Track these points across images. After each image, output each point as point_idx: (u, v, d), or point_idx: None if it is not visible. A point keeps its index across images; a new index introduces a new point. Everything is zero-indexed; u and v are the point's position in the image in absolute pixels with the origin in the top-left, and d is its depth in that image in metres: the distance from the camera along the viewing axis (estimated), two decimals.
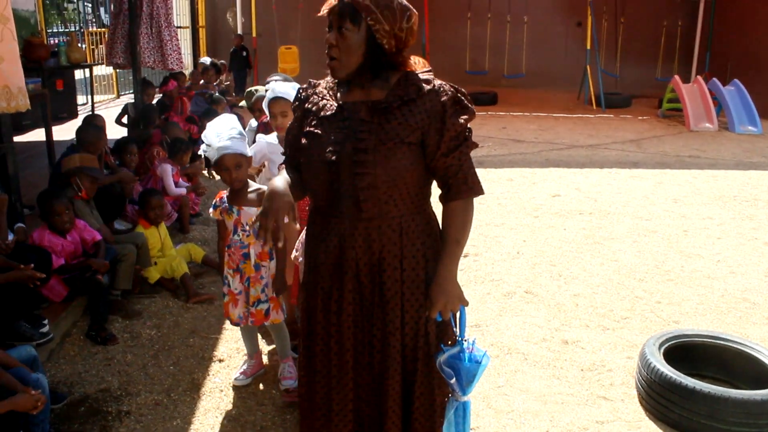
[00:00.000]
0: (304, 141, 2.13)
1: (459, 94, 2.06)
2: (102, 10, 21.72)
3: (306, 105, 2.19)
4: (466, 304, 2.12)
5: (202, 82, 9.99)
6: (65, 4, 23.96)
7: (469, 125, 2.07)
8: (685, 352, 3.43)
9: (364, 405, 2.21)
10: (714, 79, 12.43)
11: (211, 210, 3.35)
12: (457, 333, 2.15)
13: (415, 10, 2.07)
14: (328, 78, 2.17)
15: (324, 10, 2.05)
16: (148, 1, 7.94)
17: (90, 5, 23.95)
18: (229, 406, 3.23)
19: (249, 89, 5.71)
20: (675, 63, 14.93)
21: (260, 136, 3.67)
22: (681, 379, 3.03)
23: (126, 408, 3.19)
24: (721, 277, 4.99)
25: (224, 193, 3.31)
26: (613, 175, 8.26)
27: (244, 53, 13.16)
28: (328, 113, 2.10)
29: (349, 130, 2.04)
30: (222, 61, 12.98)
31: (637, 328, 4.12)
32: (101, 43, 15.40)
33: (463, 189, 2.07)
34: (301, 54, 14.01)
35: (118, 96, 13.70)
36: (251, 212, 3.18)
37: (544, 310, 4.35)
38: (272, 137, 3.75)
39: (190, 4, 12.38)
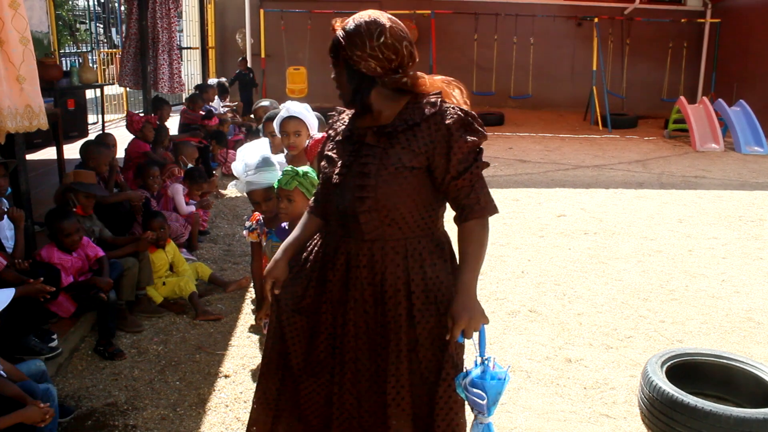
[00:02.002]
0: (322, 163, 2.26)
1: (467, 117, 2.06)
2: (113, 31, 22.01)
3: (330, 130, 2.32)
4: (487, 321, 2.10)
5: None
6: (77, 26, 24.32)
7: (479, 146, 2.08)
8: (688, 371, 3.44)
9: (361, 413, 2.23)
10: (720, 99, 12.49)
11: (245, 232, 3.39)
12: (477, 351, 2.12)
13: (390, 25, 2.04)
14: None
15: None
16: (151, 25, 8.09)
17: (102, 26, 24.29)
18: (235, 422, 3.26)
19: (256, 106, 5.78)
20: (681, 84, 14.99)
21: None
22: (683, 398, 3.04)
23: (132, 422, 3.22)
24: (725, 296, 5.00)
25: (260, 216, 3.35)
26: (618, 196, 8.29)
27: (251, 75, 13.31)
28: (341, 138, 2.22)
29: (356, 154, 2.13)
30: (224, 78, 13.13)
31: (641, 347, 4.14)
32: (112, 64, 15.62)
33: (476, 209, 2.08)
34: (310, 75, 14.16)
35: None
36: None
37: (548, 328, 4.37)
38: (280, 157, 3.82)
39: (200, 26, 12.54)
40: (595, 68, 13.95)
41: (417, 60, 2.12)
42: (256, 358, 3.86)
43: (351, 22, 2.07)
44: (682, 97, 12.91)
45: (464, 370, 2.12)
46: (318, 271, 2.25)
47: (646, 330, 4.38)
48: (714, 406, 2.98)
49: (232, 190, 7.98)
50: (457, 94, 2.16)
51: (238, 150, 3.52)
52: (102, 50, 16.84)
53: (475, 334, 2.10)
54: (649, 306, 4.77)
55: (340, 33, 2.07)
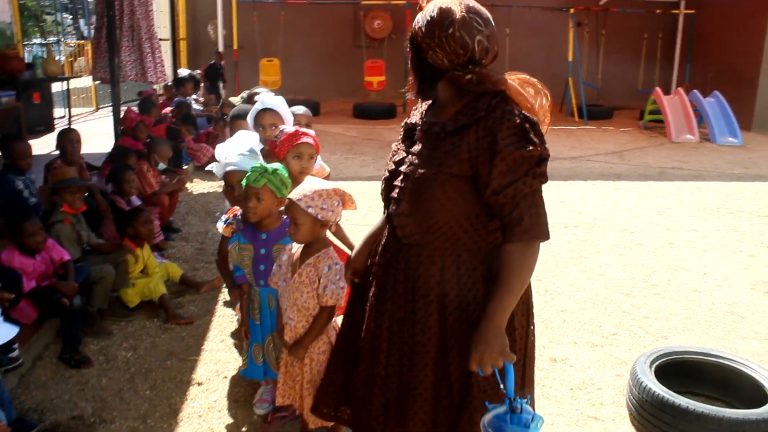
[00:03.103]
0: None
1: (524, 124, 1.84)
2: (82, 21, 21.51)
3: (407, 118, 2.19)
4: (512, 360, 1.87)
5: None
6: (44, 16, 23.76)
7: (535, 159, 1.83)
8: (676, 369, 3.36)
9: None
10: (695, 90, 12.52)
11: (220, 225, 3.17)
12: (504, 389, 1.89)
13: (462, 16, 1.84)
14: None
15: None
16: (129, 13, 7.84)
17: (70, 17, 23.74)
18: None
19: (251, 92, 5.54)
20: (656, 75, 15.03)
21: None
22: (674, 399, 2.95)
23: None
24: (707, 290, 4.95)
25: (239, 211, 3.11)
26: (597, 188, 8.23)
27: (221, 69, 13.00)
28: (405, 129, 2.11)
29: (407, 150, 2.02)
30: (198, 71, 12.86)
31: (626, 344, 4.05)
32: (80, 55, 15.25)
33: (516, 231, 1.84)
34: (283, 66, 13.94)
35: (97, 109, 13.53)
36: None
37: None
38: None
39: (170, 17, 12.25)
40: (570, 59, 13.91)
41: (496, 56, 1.93)
42: (230, 364, 3.70)
43: (429, 6, 1.91)
44: (657, 88, 12.93)
45: (494, 404, 1.93)
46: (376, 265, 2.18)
47: (630, 326, 4.29)
48: (706, 408, 2.90)
49: (201, 185, 7.78)
50: (530, 96, 1.93)
51: (230, 138, 3.35)
52: (70, 41, 16.42)
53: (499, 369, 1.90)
54: (632, 301, 4.69)
55: (418, 16, 1.93)
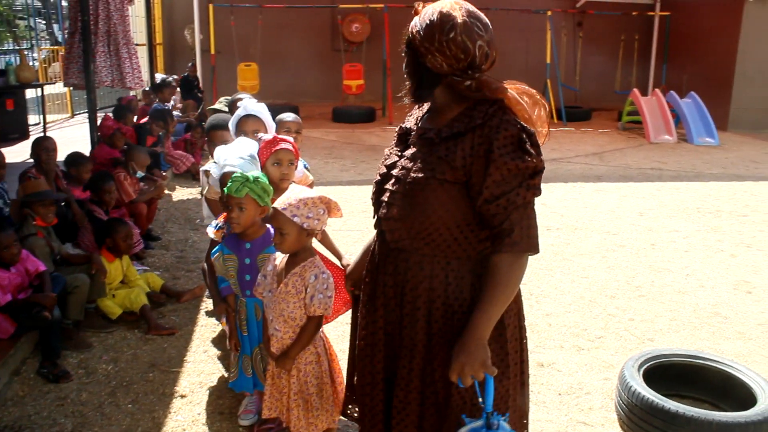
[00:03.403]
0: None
1: (521, 134, 1.81)
2: (56, 27, 21.24)
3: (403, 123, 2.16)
4: (492, 373, 1.83)
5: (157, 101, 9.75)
6: (16, 21, 23.42)
7: (529, 170, 1.81)
8: (664, 372, 3.36)
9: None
10: (672, 92, 12.63)
11: (211, 230, 3.09)
12: (482, 403, 1.87)
13: (464, 20, 1.81)
14: None
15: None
16: (104, 18, 7.71)
17: (44, 22, 23.43)
18: None
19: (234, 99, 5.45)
20: (633, 76, 15.15)
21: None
22: (664, 403, 2.94)
23: None
24: (691, 291, 4.96)
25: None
26: (578, 190, 8.25)
27: (196, 82, 12.77)
28: (398, 134, 2.08)
29: (400, 154, 2.00)
30: (174, 76, 12.70)
31: (612, 347, 4.04)
32: (55, 61, 15.02)
33: (506, 242, 1.80)
34: (261, 71, 13.84)
35: (73, 116, 13.33)
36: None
37: None
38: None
39: (147, 21, 12.08)
40: (549, 61, 13.98)
41: (494, 62, 1.88)
42: (214, 375, 3.63)
43: (428, 10, 1.87)
44: (635, 90, 13.03)
45: (468, 417, 1.91)
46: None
47: (616, 329, 4.29)
48: (696, 411, 2.89)
49: (181, 191, 7.68)
50: (527, 106, 1.89)
51: (232, 143, 3.27)
52: (43, 47, 16.19)
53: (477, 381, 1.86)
54: (617, 304, 4.69)
55: (415, 20, 1.89)
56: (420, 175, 1.87)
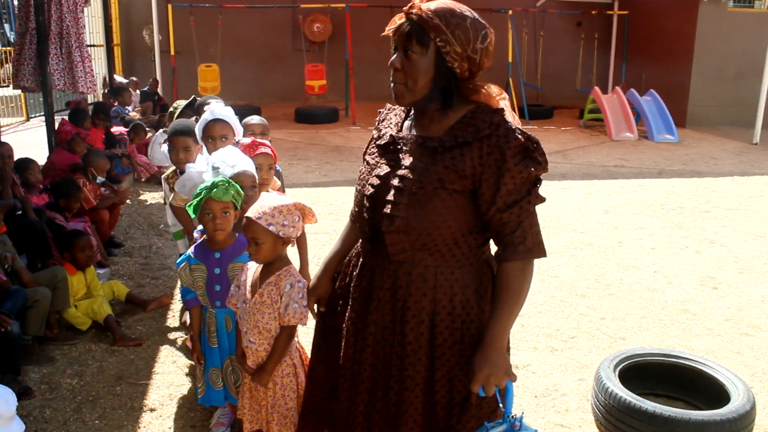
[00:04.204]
0: (361, 167, 2.04)
1: (528, 142, 1.81)
2: (7, 27, 20.64)
3: (375, 130, 2.07)
4: (514, 379, 1.87)
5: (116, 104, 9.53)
6: None
7: (537, 178, 1.83)
8: (638, 372, 3.37)
9: None
10: (632, 89, 12.81)
11: (197, 234, 2.95)
12: (503, 408, 1.89)
13: (491, 29, 1.85)
14: None
15: (388, 30, 1.87)
16: (57, 19, 7.48)
17: None
18: None
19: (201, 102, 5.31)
20: (593, 74, 15.33)
21: (190, 166, 3.40)
22: (641, 404, 2.94)
23: None
24: (659, 288, 5.01)
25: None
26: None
27: (157, 98, 12.41)
28: (383, 142, 1.97)
29: (396, 165, 1.89)
30: (133, 78, 12.43)
31: (585, 347, 4.05)
32: (6, 62, 14.58)
33: (519, 250, 1.83)
34: (222, 72, 13.65)
35: (28, 119, 12.96)
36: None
37: None
38: (202, 165, 3.48)
39: (103, 22, 11.80)
40: (510, 60, 14.06)
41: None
42: (183, 387, 3.53)
43: (455, 10, 1.81)
44: (596, 88, 13.19)
45: (489, 423, 1.89)
46: (350, 286, 2.06)
47: (588, 329, 4.30)
48: (672, 411, 2.90)
49: (144, 196, 7.51)
50: (507, 109, 1.89)
51: (223, 148, 3.16)
52: None
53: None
54: (588, 303, 4.71)
55: (435, 19, 1.79)
56: (427, 185, 1.82)
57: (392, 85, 1.88)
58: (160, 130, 6.68)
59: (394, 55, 1.86)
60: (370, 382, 1.99)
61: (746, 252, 5.88)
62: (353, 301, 2.03)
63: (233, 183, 2.70)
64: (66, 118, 7.80)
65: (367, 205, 1.94)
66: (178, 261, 2.94)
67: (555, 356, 3.93)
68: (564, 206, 7.37)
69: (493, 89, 1.91)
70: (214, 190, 2.63)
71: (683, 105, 13.55)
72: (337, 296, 2.17)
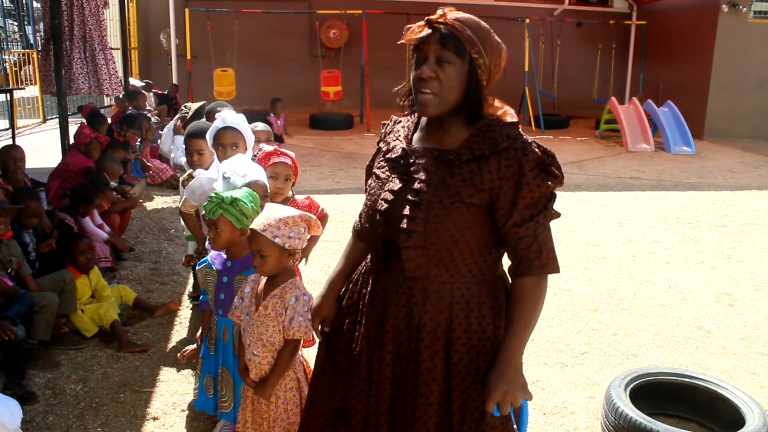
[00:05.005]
0: (369, 181, 2.00)
1: (545, 156, 1.80)
2: (28, 29, 20.84)
3: (381, 143, 2.04)
4: (530, 397, 1.84)
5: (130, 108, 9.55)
6: None
7: (553, 192, 1.83)
8: (650, 391, 3.30)
9: None
10: (649, 100, 12.70)
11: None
12: (517, 429, 1.87)
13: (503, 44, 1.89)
14: (411, 116, 2.01)
15: (412, 38, 1.83)
16: (80, 23, 7.53)
17: (15, 24, 22.97)
18: None
19: (210, 108, 5.29)
20: (610, 84, 15.22)
21: (200, 171, 3.38)
22: (652, 425, 2.87)
23: None
24: (673, 304, 4.92)
25: None
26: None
27: (174, 102, 12.51)
28: (394, 156, 1.92)
29: (409, 179, 1.85)
30: (149, 81, 12.48)
31: (596, 363, 3.98)
32: (27, 64, 14.71)
33: (535, 265, 1.81)
34: (238, 77, 13.68)
35: (44, 120, 13.04)
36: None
37: None
38: (213, 172, 3.46)
39: (120, 25, 11.88)
40: (527, 69, 13.99)
41: None
42: (188, 396, 3.50)
43: (480, 23, 1.83)
44: (613, 98, 13.09)
45: None
46: (359, 305, 2.01)
47: (599, 344, 4.23)
48: None
49: (156, 200, 7.51)
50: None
51: (233, 157, 3.15)
52: (14, 50, 15.85)
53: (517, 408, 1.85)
54: (600, 318, 4.63)
55: (467, 31, 1.78)
56: (445, 199, 1.78)
57: (418, 95, 1.82)
58: (174, 119, 6.68)
59: (425, 64, 1.80)
60: (391, 401, 1.94)
61: (763, 268, 5.77)
62: (366, 320, 1.97)
63: (230, 201, 2.62)
64: (84, 121, 7.83)
65: (381, 221, 1.88)
66: (199, 261, 2.96)
67: (565, 372, 3.86)
68: (578, 218, 7.28)
69: (498, 101, 1.91)
70: (205, 205, 2.63)
71: (701, 116, 13.41)
72: (343, 315, 2.11)
